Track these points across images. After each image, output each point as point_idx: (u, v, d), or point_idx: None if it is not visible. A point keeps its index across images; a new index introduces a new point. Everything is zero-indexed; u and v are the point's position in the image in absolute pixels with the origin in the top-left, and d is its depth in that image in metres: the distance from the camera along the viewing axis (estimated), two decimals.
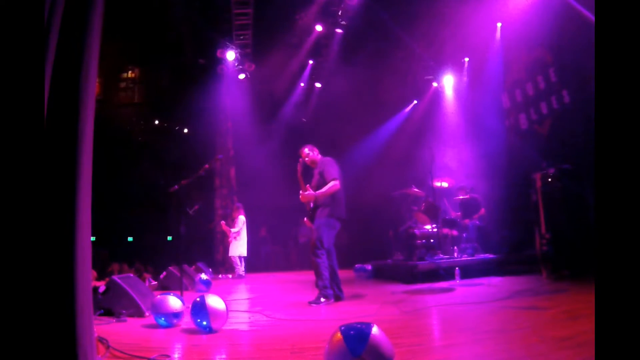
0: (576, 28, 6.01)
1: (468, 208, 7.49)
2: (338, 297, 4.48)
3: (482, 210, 7.37)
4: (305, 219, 4.72)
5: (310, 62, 11.82)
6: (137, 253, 11.99)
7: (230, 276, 9.37)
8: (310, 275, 8.87)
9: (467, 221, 7.33)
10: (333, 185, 4.43)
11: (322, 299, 4.27)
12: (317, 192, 4.50)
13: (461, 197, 7.57)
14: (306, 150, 4.83)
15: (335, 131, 12.20)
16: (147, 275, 8.12)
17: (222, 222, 9.59)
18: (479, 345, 2.34)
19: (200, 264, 8.16)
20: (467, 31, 9.15)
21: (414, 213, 7.46)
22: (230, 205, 10.91)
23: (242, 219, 9.12)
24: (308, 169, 4.93)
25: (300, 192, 4.56)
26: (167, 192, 5.07)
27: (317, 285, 4.42)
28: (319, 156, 4.83)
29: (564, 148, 6.55)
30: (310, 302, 4.30)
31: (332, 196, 4.49)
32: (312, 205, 4.64)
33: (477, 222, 7.37)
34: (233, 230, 9.02)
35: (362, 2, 9.49)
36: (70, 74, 1.63)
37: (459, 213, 7.53)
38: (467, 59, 9.66)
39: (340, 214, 4.55)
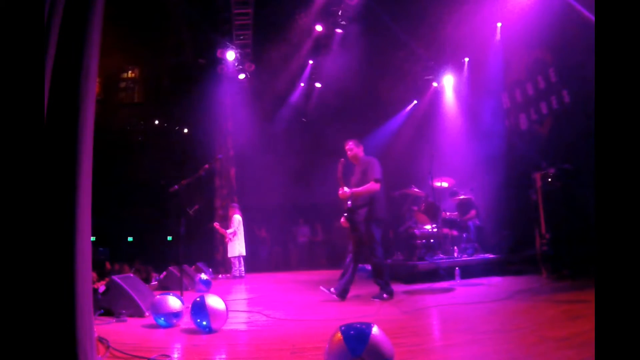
0: (576, 28, 6.01)
1: (463, 208, 7.50)
2: (343, 296, 4.56)
3: (473, 212, 7.36)
4: (342, 219, 4.65)
5: (310, 62, 11.82)
6: (137, 253, 11.99)
7: (222, 276, 9.35)
8: (309, 275, 8.87)
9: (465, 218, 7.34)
10: (371, 185, 4.47)
11: (385, 295, 4.40)
12: (355, 189, 4.53)
13: (461, 197, 7.57)
14: (351, 144, 4.83)
15: (335, 131, 12.20)
16: (155, 275, 8.10)
17: (216, 223, 9.46)
18: (479, 345, 2.34)
19: (200, 264, 8.16)
20: (467, 31, 9.14)
21: (414, 213, 7.45)
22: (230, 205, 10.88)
23: (237, 218, 8.99)
24: (349, 167, 4.90)
25: (339, 189, 4.57)
26: (167, 192, 5.08)
27: (377, 283, 4.53)
28: (362, 154, 4.83)
29: (564, 148, 6.54)
30: (373, 297, 4.45)
31: (372, 197, 4.52)
32: (349, 204, 4.61)
33: (477, 222, 7.37)
34: (229, 231, 8.93)
35: (362, 2, 9.49)
36: (70, 74, 1.63)
37: (456, 213, 7.53)
38: (467, 59, 9.65)
39: (381, 214, 4.59)
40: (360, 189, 4.50)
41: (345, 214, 4.58)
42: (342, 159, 4.69)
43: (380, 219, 4.58)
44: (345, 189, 4.54)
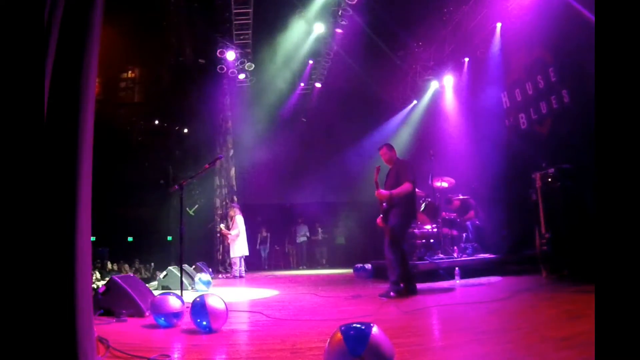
0: (576, 28, 6.00)
1: (462, 208, 7.50)
2: (411, 291, 4.60)
3: (472, 213, 7.36)
4: (378, 218, 4.83)
5: (310, 62, 11.82)
6: (137, 253, 11.98)
7: (222, 276, 9.36)
8: (309, 275, 8.87)
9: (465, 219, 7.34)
10: (406, 186, 4.61)
11: (392, 293, 4.44)
12: (393, 190, 4.66)
13: (460, 197, 7.57)
14: (384, 149, 5.01)
15: (335, 131, 12.22)
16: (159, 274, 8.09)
17: (222, 227, 9.42)
18: (479, 345, 2.34)
19: (200, 264, 8.16)
20: (467, 31, 9.14)
21: None
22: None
23: (240, 218, 9.05)
24: (384, 171, 5.04)
25: (376, 191, 4.72)
26: (167, 192, 5.08)
27: (389, 280, 4.60)
28: (396, 157, 5.00)
29: (564, 148, 6.54)
30: (380, 295, 4.49)
31: (406, 197, 4.65)
32: (385, 205, 4.75)
33: (477, 221, 7.37)
34: (233, 232, 8.93)
35: (362, 2, 9.49)
36: (70, 74, 1.63)
37: (455, 214, 7.54)
38: (467, 59, 9.65)
39: (413, 214, 4.86)
40: (397, 190, 4.64)
41: (382, 215, 4.76)
42: (378, 166, 4.89)
43: (411, 219, 4.85)
44: (382, 190, 4.71)
